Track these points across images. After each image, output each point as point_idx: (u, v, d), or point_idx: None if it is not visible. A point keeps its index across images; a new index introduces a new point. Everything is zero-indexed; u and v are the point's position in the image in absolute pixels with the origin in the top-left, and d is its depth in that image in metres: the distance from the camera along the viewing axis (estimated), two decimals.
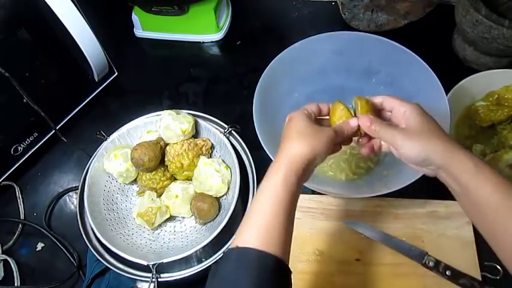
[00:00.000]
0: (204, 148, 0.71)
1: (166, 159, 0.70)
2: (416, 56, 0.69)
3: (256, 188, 0.67)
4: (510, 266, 0.43)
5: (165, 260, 0.60)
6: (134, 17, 0.94)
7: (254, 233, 0.44)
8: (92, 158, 0.71)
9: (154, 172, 0.69)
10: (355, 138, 0.58)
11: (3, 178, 0.77)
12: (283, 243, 0.44)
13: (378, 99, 0.55)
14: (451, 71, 0.71)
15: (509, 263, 0.43)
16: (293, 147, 0.49)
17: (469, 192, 0.45)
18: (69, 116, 0.82)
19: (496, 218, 0.43)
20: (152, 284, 0.60)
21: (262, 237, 0.43)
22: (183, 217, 0.71)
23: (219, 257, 0.62)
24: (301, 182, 0.49)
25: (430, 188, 0.63)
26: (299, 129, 0.51)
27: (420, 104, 0.51)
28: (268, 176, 0.47)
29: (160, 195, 0.70)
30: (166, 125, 0.69)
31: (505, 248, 0.43)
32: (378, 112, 0.54)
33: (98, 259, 0.64)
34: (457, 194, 0.47)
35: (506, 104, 0.72)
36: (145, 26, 0.96)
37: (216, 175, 0.67)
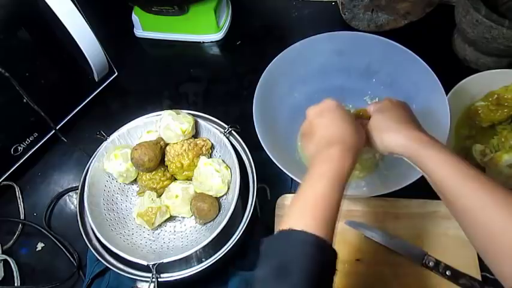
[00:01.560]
0: (204, 148, 0.71)
1: (166, 159, 0.70)
2: (416, 56, 0.69)
3: (257, 188, 0.66)
4: (474, 243, 0.44)
5: (165, 260, 0.60)
6: (134, 17, 0.94)
7: (320, 220, 0.43)
8: (92, 158, 0.71)
9: (154, 172, 0.69)
10: None
11: (3, 178, 0.77)
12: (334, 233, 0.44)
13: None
14: (451, 71, 0.71)
15: (473, 240, 0.44)
16: (355, 135, 0.50)
17: (431, 178, 0.47)
18: (69, 116, 0.82)
19: (455, 199, 0.45)
20: (152, 284, 0.60)
21: (327, 225, 0.43)
22: (183, 217, 0.71)
23: (221, 255, 0.62)
24: None
25: (430, 188, 0.63)
26: (350, 120, 0.52)
27: (388, 99, 0.56)
28: (333, 160, 0.47)
29: (160, 195, 0.70)
30: (166, 125, 0.69)
31: (468, 226, 0.44)
32: None
33: (98, 259, 0.64)
34: (429, 181, 0.49)
35: (506, 104, 0.72)
36: (145, 26, 0.96)
37: (216, 175, 0.66)
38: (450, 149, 0.48)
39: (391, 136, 0.51)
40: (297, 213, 0.45)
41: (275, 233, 0.44)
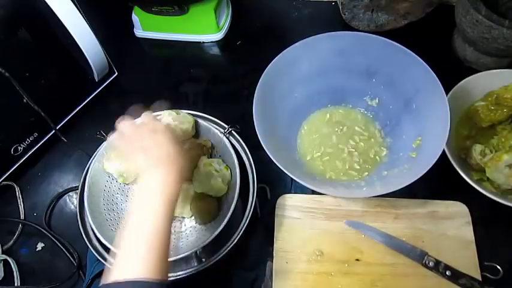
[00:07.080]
0: (204, 148, 0.71)
1: None
2: (416, 56, 0.69)
3: (257, 188, 0.66)
4: None
5: None
6: (134, 17, 0.94)
7: (152, 261, 0.42)
8: (92, 158, 0.71)
9: None
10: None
11: (3, 178, 0.77)
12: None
13: None
14: (451, 71, 0.71)
15: None
16: (184, 159, 0.52)
17: None
18: (69, 116, 0.82)
19: None
20: None
21: (160, 262, 0.43)
22: (183, 217, 0.71)
23: (221, 255, 0.62)
24: None
25: (430, 188, 0.63)
26: (179, 144, 0.53)
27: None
28: (164, 194, 0.48)
29: None
30: (166, 125, 0.69)
31: None
32: None
33: (98, 259, 0.64)
34: None
35: (505, 104, 0.72)
36: (145, 26, 0.96)
37: (216, 175, 0.67)
38: None
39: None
40: (126, 258, 0.43)
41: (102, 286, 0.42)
